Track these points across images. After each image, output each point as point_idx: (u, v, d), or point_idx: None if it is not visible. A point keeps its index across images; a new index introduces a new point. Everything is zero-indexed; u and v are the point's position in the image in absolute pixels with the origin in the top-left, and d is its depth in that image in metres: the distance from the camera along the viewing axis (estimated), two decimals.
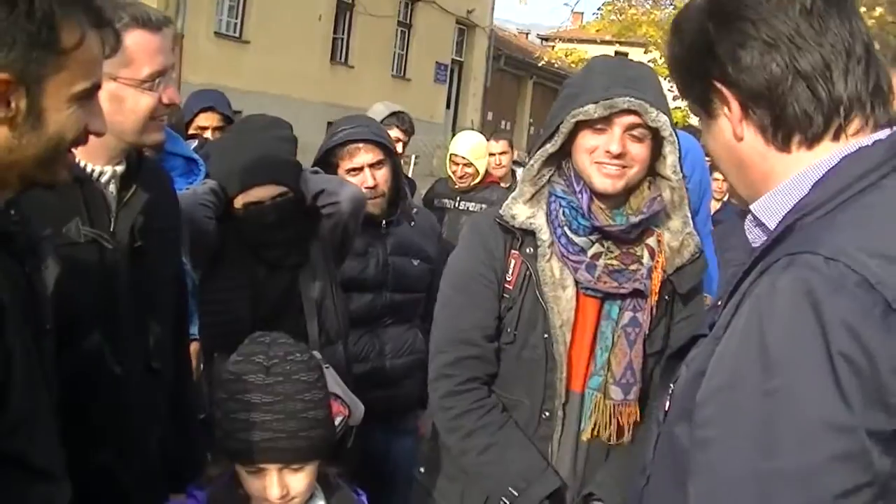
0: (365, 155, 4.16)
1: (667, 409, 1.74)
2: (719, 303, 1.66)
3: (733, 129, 1.66)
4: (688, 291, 2.90)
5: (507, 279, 2.86)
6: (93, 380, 2.43)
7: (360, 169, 4.15)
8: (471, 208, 7.05)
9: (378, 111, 6.42)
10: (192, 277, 3.72)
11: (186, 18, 19.55)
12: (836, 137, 1.60)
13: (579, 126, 2.75)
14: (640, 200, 2.81)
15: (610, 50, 24.82)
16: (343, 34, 26.01)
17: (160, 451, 2.74)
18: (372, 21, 26.04)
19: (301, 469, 2.51)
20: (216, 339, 3.51)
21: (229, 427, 2.47)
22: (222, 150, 3.84)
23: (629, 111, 2.68)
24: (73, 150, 1.88)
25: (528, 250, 2.84)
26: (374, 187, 4.15)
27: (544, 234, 2.82)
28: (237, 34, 22.05)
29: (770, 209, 1.65)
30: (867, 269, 1.38)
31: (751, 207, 1.70)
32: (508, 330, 2.86)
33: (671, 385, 1.74)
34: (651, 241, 2.84)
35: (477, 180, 7.16)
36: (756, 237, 1.71)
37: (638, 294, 2.80)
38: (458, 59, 32.39)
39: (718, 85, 1.64)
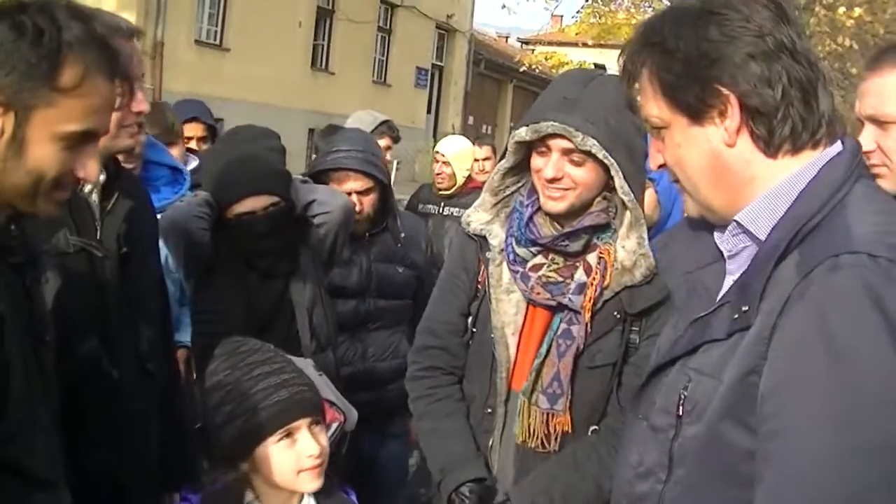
0: (353, 183, 4.21)
1: (679, 413, 1.81)
2: (746, 309, 1.70)
3: (725, 137, 1.73)
4: (642, 311, 2.88)
5: (479, 280, 3.01)
6: (90, 385, 2.47)
7: (348, 194, 4.16)
8: (454, 213, 7.04)
9: (366, 121, 6.40)
10: (184, 287, 3.75)
11: (166, 26, 19.51)
12: (814, 147, 1.72)
13: (530, 145, 2.83)
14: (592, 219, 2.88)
15: (590, 53, 24.94)
16: (323, 40, 26.00)
17: (157, 452, 2.81)
18: (352, 27, 26.05)
19: (323, 427, 2.63)
20: (211, 349, 3.52)
21: (248, 406, 2.52)
22: (213, 161, 3.88)
23: (559, 135, 2.73)
24: (61, 188, 1.89)
25: (486, 254, 2.97)
26: (360, 212, 4.20)
27: (495, 241, 2.95)
28: (217, 42, 22.00)
29: (756, 217, 1.74)
30: None
31: (736, 218, 1.77)
32: (471, 326, 3.01)
33: (682, 391, 1.80)
34: (592, 256, 2.86)
35: (455, 184, 7.15)
36: (735, 245, 1.80)
37: (564, 307, 2.85)
38: (438, 63, 32.40)
39: (725, 91, 1.70)
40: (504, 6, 18.83)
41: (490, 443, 2.96)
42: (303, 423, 2.54)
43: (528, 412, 2.86)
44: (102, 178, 2.62)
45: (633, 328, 2.89)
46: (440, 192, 7.22)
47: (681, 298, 1.93)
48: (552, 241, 2.84)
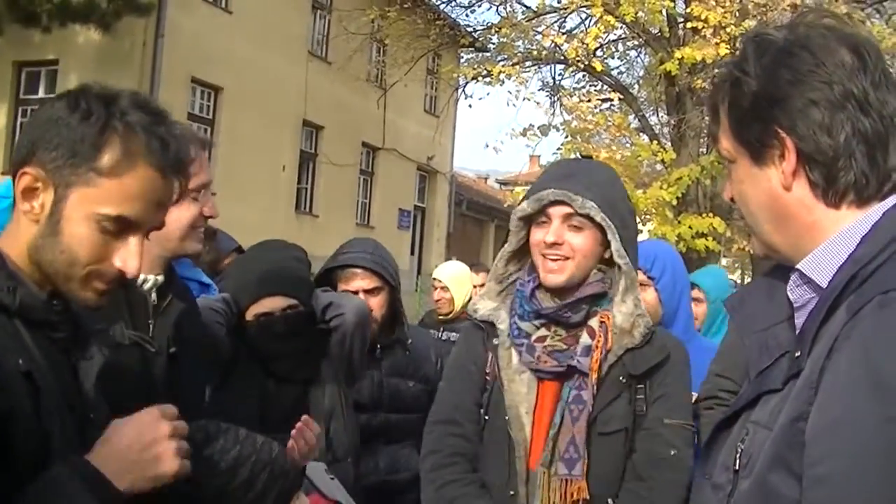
0: (361, 281, 4.23)
1: (736, 467, 1.76)
2: (798, 355, 1.68)
3: (782, 179, 1.71)
4: (645, 372, 2.94)
5: (487, 370, 3.03)
6: None
7: (356, 293, 4.19)
8: (452, 338, 7.05)
9: None
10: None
11: None
12: (882, 199, 1.68)
13: (530, 225, 2.97)
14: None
15: None
16: (307, 184, 26.33)
17: None
18: (335, 170, 26.40)
19: None
20: None
21: None
22: (238, 266, 3.97)
23: (559, 202, 2.87)
24: (100, 277, 1.88)
25: (493, 341, 3.02)
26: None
27: (503, 325, 3.02)
28: None
29: (820, 266, 1.70)
30: None
31: (798, 266, 1.74)
32: (483, 414, 3.01)
33: (739, 445, 1.77)
34: (593, 321, 2.94)
35: (456, 308, 7.16)
36: (800, 295, 1.76)
37: (573, 371, 2.90)
38: (420, 205, 32.77)
39: (783, 134, 1.69)
40: (487, 145, 19.15)
41: None
42: None
43: (549, 484, 2.85)
44: (161, 278, 2.68)
45: (639, 395, 2.95)
46: (440, 318, 7.23)
47: (753, 357, 1.86)
48: (555, 311, 2.92)
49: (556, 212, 2.89)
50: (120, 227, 1.86)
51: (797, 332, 1.76)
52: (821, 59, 1.68)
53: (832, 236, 1.69)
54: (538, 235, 2.93)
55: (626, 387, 2.93)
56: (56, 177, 1.81)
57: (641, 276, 3.98)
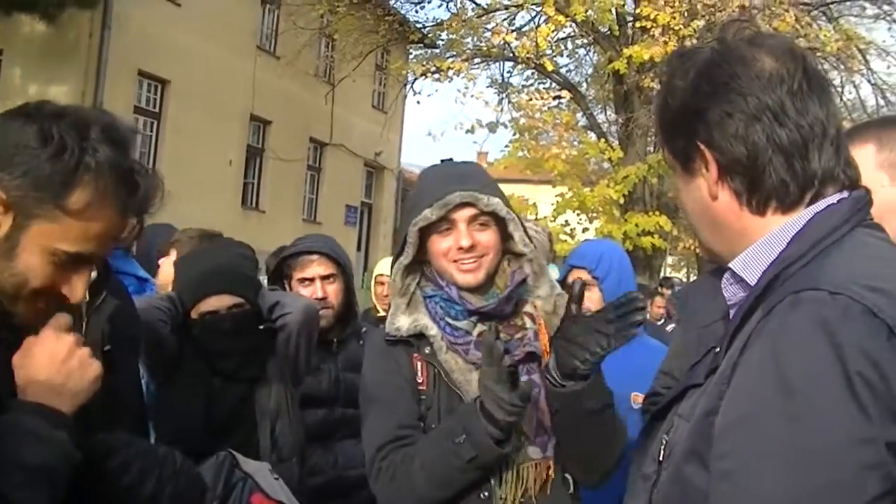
0: (317, 267, 4.27)
1: (661, 458, 1.81)
2: (717, 350, 1.74)
3: (709, 189, 1.77)
4: None
5: (419, 381, 2.91)
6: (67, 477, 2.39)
7: (312, 280, 4.24)
8: None
9: None
10: (149, 388, 3.69)
11: None
12: (809, 204, 1.73)
13: (426, 233, 2.89)
14: (505, 279, 2.95)
15: (517, 187, 25.32)
16: (254, 179, 26.15)
17: None
18: (282, 165, 26.25)
19: None
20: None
21: None
22: (184, 263, 3.90)
23: (464, 204, 2.83)
24: (44, 300, 1.92)
25: (425, 350, 2.91)
26: (324, 299, 4.24)
27: (433, 331, 2.91)
28: None
29: (750, 265, 1.75)
30: (867, 300, 1.50)
31: (730, 265, 1.78)
32: (433, 426, 2.87)
33: (664, 437, 1.82)
34: (528, 308, 2.96)
35: None
36: (733, 293, 1.81)
37: (530, 358, 2.88)
38: (367, 201, 32.68)
39: (702, 146, 1.74)
40: (430, 133, 19.16)
41: None
42: None
43: (520, 472, 2.80)
44: (94, 274, 2.59)
45: None
46: (379, 317, 7.20)
47: (692, 352, 1.92)
48: (496, 307, 2.88)
49: (462, 215, 2.84)
50: (74, 262, 1.89)
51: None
52: (737, 71, 1.73)
53: (763, 237, 1.74)
54: (444, 243, 2.87)
55: None
56: (18, 206, 1.81)
57: (586, 276, 4.00)
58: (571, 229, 19.87)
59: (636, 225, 17.35)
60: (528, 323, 2.93)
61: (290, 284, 4.37)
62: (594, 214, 19.03)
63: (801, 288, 1.55)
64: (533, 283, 2.98)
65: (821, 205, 1.72)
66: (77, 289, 1.93)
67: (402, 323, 2.93)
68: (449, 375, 2.87)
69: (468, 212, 2.85)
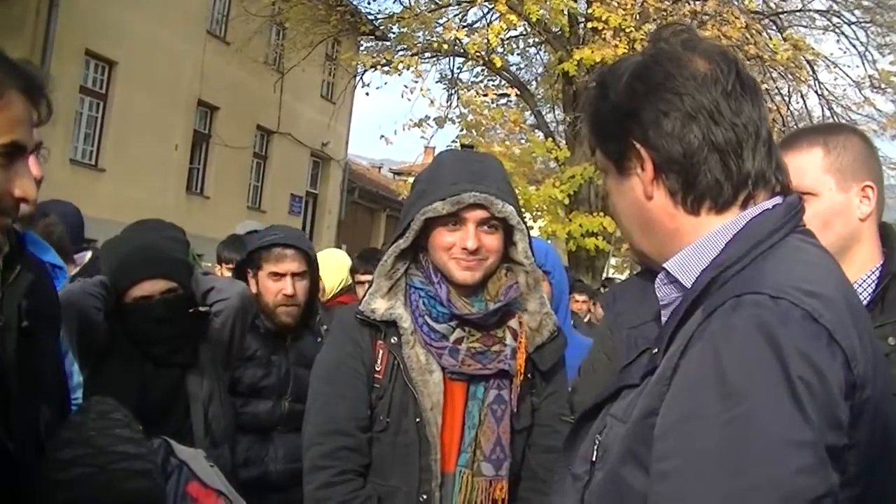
0: (291, 263, 4.27)
1: (594, 458, 1.80)
2: (655, 351, 1.73)
3: (644, 189, 1.78)
4: (549, 368, 3.01)
5: (377, 369, 2.91)
6: None
7: (283, 276, 4.21)
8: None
9: (249, 226, 6.42)
10: (78, 374, 3.65)
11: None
12: (743, 206, 1.74)
13: (431, 222, 2.87)
14: (498, 287, 2.93)
15: None
16: (199, 164, 25.92)
17: None
18: (228, 152, 26.05)
19: None
20: None
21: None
22: (113, 246, 3.87)
23: (477, 205, 2.82)
24: (2, 212, 1.98)
25: (392, 340, 2.90)
26: (293, 296, 4.23)
27: (405, 323, 2.90)
28: (93, 162, 21.72)
29: (685, 267, 1.75)
30: (808, 305, 1.51)
31: (665, 266, 1.79)
32: (381, 418, 2.88)
33: (597, 437, 1.81)
34: (513, 322, 2.94)
35: (326, 297, 6.64)
36: (666, 294, 1.82)
37: (502, 374, 2.88)
38: (312, 191, 32.52)
39: (637, 146, 1.75)
40: (382, 136, 19.07)
41: None
42: None
43: (471, 485, 2.83)
44: (6, 248, 2.52)
45: (533, 389, 2.99)
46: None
47: (622, 352, 1.91)
48: (482, 317, 2.88)
49: (473, 216, 2.83)
50: (12, 156, 1.95)
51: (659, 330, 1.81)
52: (672, 71, 1.74)
53: (699, 240, 1.75)
54: (449, 238, 2.86)
55: (532, 382, 2.98)
56: None
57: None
58: None
59: (580, 225, 17.37)
60: (509, 338, 2.91)
61: (256, 276, 4.35)
62: (538, 214, 19.05)
63: (743, 291, 1.55)
64: (524, 296, 2.98)
65: (756, 209, 1.73)
66: (27, 186, 2.00)
67: (378, 306, 2.92)
68: (408, 372, 2.86)
69: (480, 213, 2.83)
